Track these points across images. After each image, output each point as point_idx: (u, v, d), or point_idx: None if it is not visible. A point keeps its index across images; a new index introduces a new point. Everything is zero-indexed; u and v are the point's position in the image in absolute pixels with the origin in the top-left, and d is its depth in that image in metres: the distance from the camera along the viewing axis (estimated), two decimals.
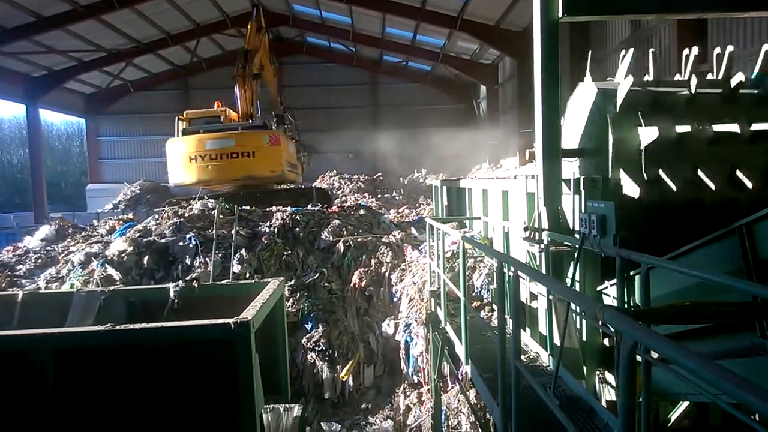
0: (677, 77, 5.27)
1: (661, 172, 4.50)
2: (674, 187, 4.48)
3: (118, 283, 10.52)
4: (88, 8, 21.69)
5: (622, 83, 4.66)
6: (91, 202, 29.86)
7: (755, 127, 4.45)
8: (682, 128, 4.46)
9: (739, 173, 4.48)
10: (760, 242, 3.15)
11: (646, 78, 5.04)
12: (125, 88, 32.53)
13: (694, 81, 4.62)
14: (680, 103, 4.71)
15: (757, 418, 1.69)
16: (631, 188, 4.56)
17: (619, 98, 4.63)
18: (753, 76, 4.81)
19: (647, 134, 4.45)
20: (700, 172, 4.48)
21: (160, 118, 30.38)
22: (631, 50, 5.01)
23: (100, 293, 6.34)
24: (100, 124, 33.77)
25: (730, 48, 4.92)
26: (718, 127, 4.48)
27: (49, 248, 13.53)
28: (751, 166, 4.51)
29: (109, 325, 4.22)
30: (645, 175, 4.52)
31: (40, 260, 12.65)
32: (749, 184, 4.45)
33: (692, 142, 4.47)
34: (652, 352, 2.14)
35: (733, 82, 4.60)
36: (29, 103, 26.95)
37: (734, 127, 4.42)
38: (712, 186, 4.44)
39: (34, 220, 24.47)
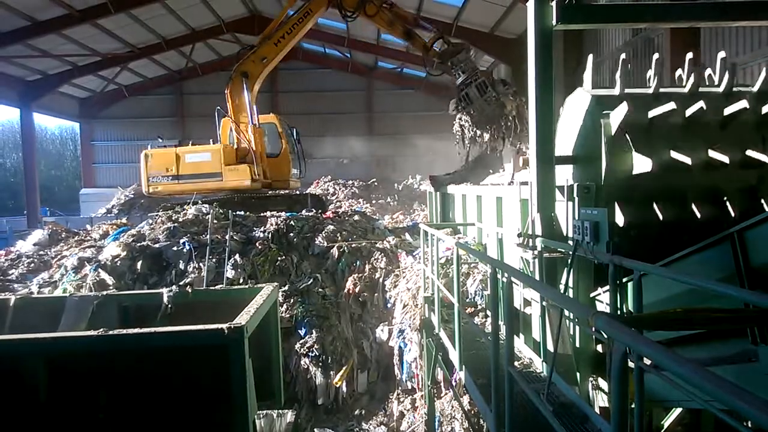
0: (674, 89, 5.29)
1: (653, 203, 4.55)
2: (662, 215, 4.52)
3: (111, 287, 10.46)
4: (83, 12, 21.62)
5: (617, 111, 4.63)
6: (85, 207, 29.73)
7: (749, 153, 4.49)
8: (676, 155, 4.47)
9: (726, 201, 4.53)
10: (751, 249, 3.17)
11: (645, 90, 5.04)
12: (120, 93, 32.42)
13: (691, 110, 4.58)
14: (675, 131, 4.69)
15: (749, 425, 1.70)
16: (621, 213, 4.60)
17: (614, 125, 4.64)
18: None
19: (641, 163, 4.47)
20: (689, 199, 4.52)
21: (154, 122, 30.31)
22: (628, 64, 5.03)
23: (93, 298, 6.30)
24: (94, 128, 33.60)
25: (733, 59, 4.95)
26: (711, 154, 4.50)
27: (42, 252, 13.45)
28: (740, 193, 4.55)
29: (101, 330, 4.20)
30: (635, 200, 4.56)
31: (32, 265, 12.58)
32: (738, 211, 4.49)
33: (685, 169, 4.48)
34: (644, 358, 2.15)
35: (731, 110, 4.58)
36: (23, 107, 26.82)
37: (727, 156, 4.43)
38: (699, 214, 4.48)
39: (27, 224, 24.34)
